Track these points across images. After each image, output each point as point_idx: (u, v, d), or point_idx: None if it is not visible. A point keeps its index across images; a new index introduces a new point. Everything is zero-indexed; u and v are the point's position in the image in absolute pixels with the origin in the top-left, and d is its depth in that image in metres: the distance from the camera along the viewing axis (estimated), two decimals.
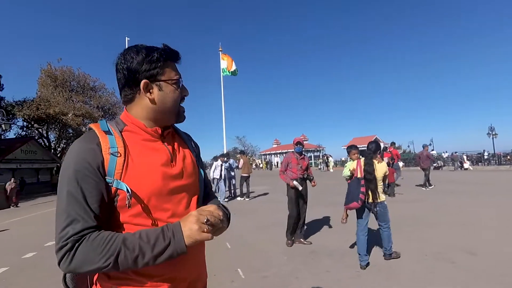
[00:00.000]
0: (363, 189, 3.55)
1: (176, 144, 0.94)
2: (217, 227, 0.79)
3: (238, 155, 13.03)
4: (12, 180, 13.84)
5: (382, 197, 3.60)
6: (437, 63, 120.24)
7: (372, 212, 3.63)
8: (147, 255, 0.72)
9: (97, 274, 0.84)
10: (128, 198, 0.76)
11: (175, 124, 0.99)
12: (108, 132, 0.82)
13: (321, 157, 38.01)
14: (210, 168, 10.26)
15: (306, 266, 3.72)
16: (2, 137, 23.04)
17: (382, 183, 3.69)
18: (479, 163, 22.80)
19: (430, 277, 3.20)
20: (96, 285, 0.84)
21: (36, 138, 25.74)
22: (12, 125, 24.35)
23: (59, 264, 0.72)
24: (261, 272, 3.60)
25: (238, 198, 10.44)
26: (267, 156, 51.37)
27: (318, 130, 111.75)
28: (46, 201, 14.88)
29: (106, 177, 0.77)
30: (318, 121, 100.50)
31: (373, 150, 3.81)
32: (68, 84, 27.60)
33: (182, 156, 0.93)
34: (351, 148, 4.16)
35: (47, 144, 27.45)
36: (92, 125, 0.85)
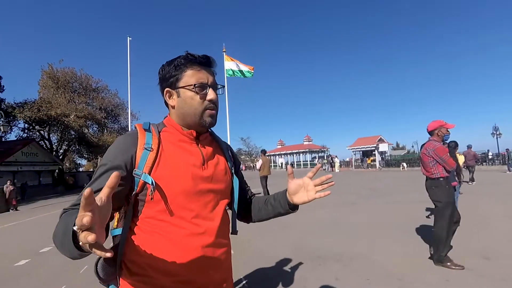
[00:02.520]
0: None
1: (211, 149, 0.98)
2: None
3: (259, 156, 12.75)
4: (8, 183, 13.67)
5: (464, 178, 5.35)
6: (441, 62, 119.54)
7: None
8: (58, 246, 0.68)
9: (121, 268, 0.86)
10: (151, 191, 0.79)
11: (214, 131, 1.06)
12: (147, 130, 0.90)
13: (325, 158, 37.78)
14: None
15: (313, 273, 3.51)
16: (3, 139, 22.91)
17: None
18: (484, 163, 22.48)
19: (445, 285, 2.97)
20: (119, 279, 0.87)
21: (37, 140, 25.63)
22: (12, 127, 24.35)
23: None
24: (266, 280, 3.39)
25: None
26: (272, 157, 51.22)
27: (322, 131, 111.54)
28: (47, 204, 14.75)
29: (134, 170, 0.81)
30: (323, 121, 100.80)
31: (453, 146, 5.54)
32: (70, 85, 27.56)
33: (216, 161, 0.97)
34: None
35: (48, 146, 27.38)
36: (136, 124, 0.93)
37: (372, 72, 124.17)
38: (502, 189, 9.57)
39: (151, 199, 0.81)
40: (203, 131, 0.97)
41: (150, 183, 0.80)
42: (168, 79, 0.92)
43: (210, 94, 0.91)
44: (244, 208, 1.12)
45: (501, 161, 21.58)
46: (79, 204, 0.72)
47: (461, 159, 6.06)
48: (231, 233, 1.02)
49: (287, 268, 3.75)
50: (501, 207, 6.64)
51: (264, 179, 9.87)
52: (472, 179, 11.66)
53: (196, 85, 0.89)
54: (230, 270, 1.00)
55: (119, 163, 0.81)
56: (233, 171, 1.04)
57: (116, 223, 0.98)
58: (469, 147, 12.26)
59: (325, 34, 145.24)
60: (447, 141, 4.82)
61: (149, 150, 0.84)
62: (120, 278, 0.87)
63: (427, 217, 6.05)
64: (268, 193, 10.00)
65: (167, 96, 0.94)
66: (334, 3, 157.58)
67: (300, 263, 3.86)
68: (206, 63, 0.93)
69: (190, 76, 0.90)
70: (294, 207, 1.01)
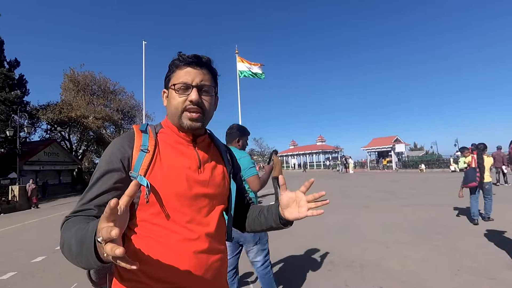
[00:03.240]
0: (478, 174, 5.62)
1: (209, 152, 0.96)
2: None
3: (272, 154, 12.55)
4: (31, 181, 14.27)
5: (489, 178, 5.74)
6: (459, 61, 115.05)
7: (481, 188, 5.68)
8: (72, 256, 0.66)
9: (114, 274, 0.85)
10: (146, 193, 0.77)
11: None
12: (144, 131, 0.88)
13: (339, 159, 37.15)
14: None
15: (323, 278, 3.42)
16: (28, 139, 23.99)
17: (489, 171, 5.83)
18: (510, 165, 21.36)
19: None
20: (109, 284, 0.85)
21: (58, 140, 26.67)
22: (36, 128, 25.47)
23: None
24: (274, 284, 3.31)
25: (272, 203, 10.08)
26: (284, 157, 50.97)
27: (336, 131, 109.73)
28: (66, 202, 15.31)
29: (131, 172, 0.80)
30: (336, 122, 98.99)
31: (482, 149, 5.84)
32: (90, 88, 28.50)
33: (213, 165, 0.94)
34: (463, 149, 6.15)
35: (68, 146, 28.42)
36: (134, 126, 0.92)
37: (387, 70, 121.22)
38: None
39: (147, 202, 0.78)
40: (199, 133, 0.94)
41: (145, 185, 0.78)
42: (164, 80, 0.93)
43: (191, 95, 0.86)
44: (240, 215, 1.08)
45: None
46: (82, 211, 0.76)
47: (489, 161, 5.89)
48: (226, 240, 0.97)
49: (296, 272, 3.67)
50: None
51: (276, 179, 9.81)
52: (506, 181, 11.61)
53: (175, 85, 0.87)
54: (225, 278, 0.97)
55: (117, 165, 0.80)
56: (231, 175, 1.02)
57: None
58: (498, 148, 11.77)
59: (340, 31, 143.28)
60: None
61: (145, 152, 0.83)
62: (112, 283, 0.84)
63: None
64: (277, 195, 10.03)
65: (164, 96, 0.94)
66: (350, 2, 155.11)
67: (310, 268, 3.77)
68: (195, 62, 0.88)
69: (177, 77, 0.88)
70: (286, 223, 0.95)
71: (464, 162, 5.98)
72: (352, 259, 3.98)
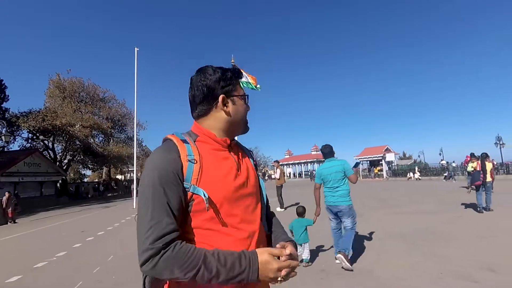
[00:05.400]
0: (482, 175, 7.42)
1: (240, 154, 1.01)
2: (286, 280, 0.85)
3: (273, 163, 12.91)
4: (7, 194, 13.02)
5: (489, 178, 7.56)
6: (446, 72, 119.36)
7: (484, 186, 7.44)
8: (221, 277, 0.77)
9: (168, 282, 0.88)
10: (206, 202, 0.82)
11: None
12: (185, 141, 0.90)
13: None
14: None
15: (315, 287, 3.39)
16: (5, 149, 22.44)
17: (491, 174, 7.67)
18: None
19: None
20: None
21: (41, 150, 25.39)
22: (16, 137, 24.03)
23: (141, 265, 0.77)
24: None
25: (278, 209, 9.91)
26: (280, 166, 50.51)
27: (330, 141, 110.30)
28: (47, 216, 14.34)
29: (184, 183, 0.83)
30: (330, 131, 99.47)
31: (484, 157, 7.81)
32: (77, 95, 27.66)
33: (246, 166, 1.00)
34: (472, 157, 8.61)
35: (52, 156, 27.05)
36: (169, 136, 0.93)
37: (379, 82, 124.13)
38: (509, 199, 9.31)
39: (207, 210, 0.83)
40: (232, 139, 1.00)
41: (202, 195, 0.82)
42: (223, 87, 0.95)
43: (248, 106, 1.03)
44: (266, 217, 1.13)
45: (505, 170, 21.27)
46: (172, 232, 0.78)
47: (489, 165, 7.66)
48: (268, 230, 1.07)
49: (287, 281, 3.18)
50: (509, 218, 6.45)
51: (281, 188, 10.15)
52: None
53: (246, 96, 1.01)
54: None
55: (173, 177, 0.82)
56: (258, 174, 1.09)
57: None
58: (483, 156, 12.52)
59: (332, 41, 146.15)
60: None
61: (193, 163, 0.85)
62: None
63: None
64: (283, 202, 9.84)
65: (221, 102, 0.94)
66: (339, 10, 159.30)
67: (302, 276, 3.65)
68: (242, 77, 1.12)
69: (240, 87, 1.00)
70: None
71: (472, 167, 8.14)
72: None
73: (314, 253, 4.52)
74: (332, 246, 4.44)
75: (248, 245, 0.88)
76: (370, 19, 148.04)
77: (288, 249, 0.85)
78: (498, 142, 28.75)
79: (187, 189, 0.83)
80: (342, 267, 3.75)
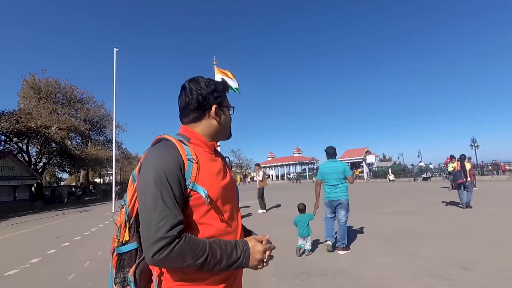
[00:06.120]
0: (462, 175, 8.12)
1: (221, 158, 1.11)
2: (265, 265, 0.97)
3: (255, 166, 12.89)
4: None
5: (469, 178, 8.18)
6: (424, 77, 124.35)
7: (463, 185, 8.12)
8: (223, 262, 0.86)
9: (158, 271, 0.93)
10: (206, 198, 0.89)
11: None
12: (181, 142, 0.96)
13: (314, 169, 37.65)
14: None
15: None
16: None
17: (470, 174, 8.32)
18: None
19: None
20: (158, 283, 0.93)
21: (14, 153, 24.22)
22: None
23: (154, 254, 0.79)
24: None
25: (259, 211, 10.09)
26: (262, 169, 50.63)
27: (312, 143, 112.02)
28: (21, 221, 13.71)
29: (184, 180, 0.90)
30: (312, 133, 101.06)
31: (463, 158, 8.57)
32: (53, 96, 26.67)
33: (228, 168, 1.12)
34: (452, 158, 9.43)
35: (27, 159, 25.89)
36: (167, 136, 0.98)
37: (357, 84, 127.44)
38: (485, 199, 9.75)
39: (208, 205, 0.90)
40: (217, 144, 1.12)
41: (201, 192, 0.89)
42: (216, 98, 1.06)
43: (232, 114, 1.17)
44: None
45: (480, 171, 22.30)
46: (179, 224, 0.83)
47: (468, 165, 8.37)
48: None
49: (268, 284, 3.61)
50: (484, 217, 6.77)
51: (263, 190, 10.33)
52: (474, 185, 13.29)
53: (233, 107, 1.15)
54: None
55: (178, 173, 0.88)
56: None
57: (126, 238, 0.98)
58: (468, 158, 13.14)
59: (314, 45, 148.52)
60: None
61: (192, 162, 0.92)
62: (162, 282, 0.93)
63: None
64: (265, 204, 10.05)
65: (214, 112, 1.04)
66: (319, 13, 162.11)
67: (282, 279, 3.72)
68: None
69: (227, 99, 1.12)
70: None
71: (452, 167, 8.83)
72: (325, 268, 3.99)
73: (294, 255, 4.61)
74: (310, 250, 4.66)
75: (235, 238, 0.98)
76: (347, 22, 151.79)
77: (266, 236, 1.01)
78: (473, 144, 30.02)
79: (187, 186, 0.89)
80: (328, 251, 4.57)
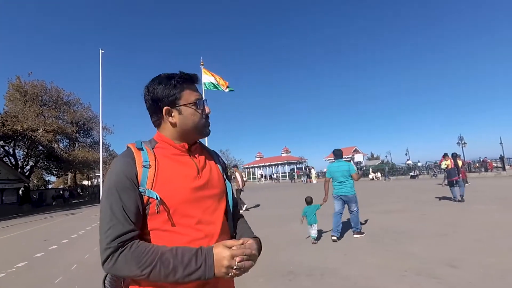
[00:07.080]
0: (456, 172, 8.86)
1: (203, 157, 1.04)
2: (244, 271, 0.85)
3: (233, 169, 13.20)
4: None
5: (461, 175, 8.98)
6: (411, 74, 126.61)
7: (457, 181, 8.79)
8: (178, 273, 0.80)
9: (129, 280, 0.90)
10: (157, 204, 0.85)
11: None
12: (141, 149, 0.94)
13: (303, 169, 38.20)
14: None
15: None
16: None
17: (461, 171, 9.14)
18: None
19: None
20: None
21: (1, 156, 23.91)
22: None
23: (103, 263, 0.80)
24: None
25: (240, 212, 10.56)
26: (251, 169, 51.06)
27: (300, 142, 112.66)
28: (8, 225, 13.51)
29: (139, 187, 0.87)
30: (300, 133, 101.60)
31: (455, 156, 9.67)
32: (40, 98, 26.31)
33: (209, 168, 1.02)
34: (445, 156, 10.29)
35: (13, 162, 25.58)
36: (128, 144, 0.97)
37: (346, 82, 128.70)
38: (474, 196, 9.93)
39: (157, 212, 0.86)
40: (193, 143, 1.03)
41: (155, 197, 0.85)
42: (166, 98, 0.96)
43: (207, 109, 1.02)
44: (233, 215, 1.14)
45: (467, 168, 22.51)
46: (129, 232, 0.82)
47: (459, 163, 9.38)
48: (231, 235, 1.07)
49: (255, 284, 3.59)
50: (471, 215, 6.93)
51: (240, 192, 10.75)
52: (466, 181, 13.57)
53: (197, 103, 0.99)
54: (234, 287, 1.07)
55: (127, 183, 0.86)
56: (224, 176, 1.11)
57: None
58: (458, 155, 13.73)
59: (303, 44, 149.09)
60: None
61: (147, 168, 0.90)
62: None
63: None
64: (243, 205, 10.49)
65: (166, 114, 0.97)
66: (308, 12, 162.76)
67: (270, 279, 3.72)
68: (196, 81, 1.04)
69: (189, 94, 0.99)
70: None
71: (445, 164, 9.36)
72: (313, 267, 4.01)
73: (282, 255, 4.65)
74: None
75: (206, 246, 0.88)
76: (335, 22, 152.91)
77: (242, 240, 0.88)
78: (460, 141, 30.49)
79: (142, 193, 0.86)
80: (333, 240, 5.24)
